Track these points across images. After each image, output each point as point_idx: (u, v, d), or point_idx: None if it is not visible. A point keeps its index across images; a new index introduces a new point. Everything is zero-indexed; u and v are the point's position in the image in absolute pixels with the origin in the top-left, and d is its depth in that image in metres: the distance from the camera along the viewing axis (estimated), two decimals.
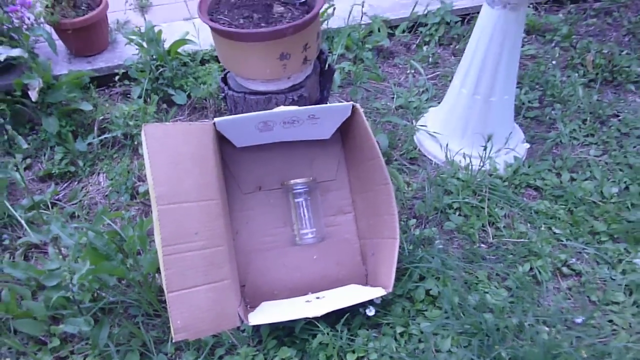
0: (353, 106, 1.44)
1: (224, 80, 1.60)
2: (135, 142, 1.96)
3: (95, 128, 1.99)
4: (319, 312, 1.32)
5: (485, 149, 1.87)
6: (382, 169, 1.42)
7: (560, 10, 2.77)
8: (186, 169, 1.29)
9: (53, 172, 1.90)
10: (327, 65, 1.63)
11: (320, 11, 1.66)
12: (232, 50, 1.43)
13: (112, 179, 1.86)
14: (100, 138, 1.97)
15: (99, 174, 1.93)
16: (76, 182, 1.90)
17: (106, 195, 1.86)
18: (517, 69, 1.87)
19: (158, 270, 1.45)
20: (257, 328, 1.45)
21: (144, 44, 2.09)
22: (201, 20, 1.42)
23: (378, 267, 1.46)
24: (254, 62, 1.43)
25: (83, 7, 2.15)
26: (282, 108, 1.39)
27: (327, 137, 1.55)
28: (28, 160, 1.97)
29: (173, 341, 1.22)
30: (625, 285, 1.60)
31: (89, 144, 1.96)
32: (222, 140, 1.50)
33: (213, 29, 1.42)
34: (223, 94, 1.58)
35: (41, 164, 1.95)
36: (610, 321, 1.53)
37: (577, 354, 1.36)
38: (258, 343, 1.44)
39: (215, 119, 1.37)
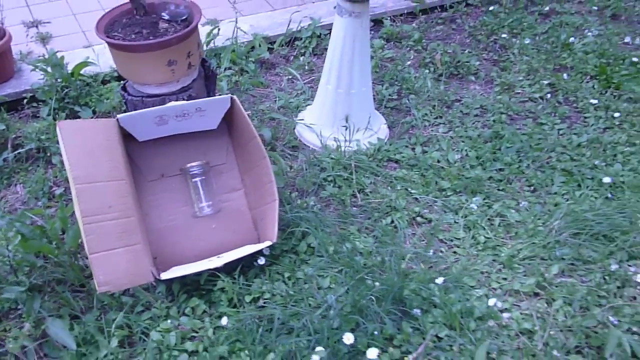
0: (231, 98, 1.79)
1: (124, 88, 1.91)
2: (48, 154, 2.20)
3: (9, 145, 2.21)
4: (219, 263, 1.64)
5: (346, 129, 2.26)
6: (260, 147, 1.77)
7: (414, 20, 3.28)
8: (97, 155, 1.58)
9: None
10: (210, 71, 1.97)
11: (200, 28, 2.01)
12: (128, 61, 1.75)
13: (29, 187, 2.09)
14: (14, 153, 2.19)
15: (16, 185, 2.15)
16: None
17: (25, 202, 2.08)
18: (370, 65, 2.30)
19: (80, 247, 1.72)
20: (169, 288, 1.74)
21: (49, 69, 2.35)
22: (99, 37, 1.73)
23: (265, 227, 1.80)
24: (147, 69, 1.75)
25: None
26: (173, 103, 1.71)
27: (214, 127, 1.88)
28: None
29: (97, 293, 1.49)
30: (465, 225, 2.04)
31: (4, 159, 2.18)
32: (126, 138, 1.80)
33: (110, 44, 1.73)
34: (124, 100, 1.88)
35: None
36: (455, 252, 1.95)
37: (425, 274, 1.76)
38: (171, 301, 1.73)
39: (118, 115, 1.67)
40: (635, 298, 1.77)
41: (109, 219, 1.55)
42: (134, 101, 1.82)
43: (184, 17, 1.84)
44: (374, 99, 2.62)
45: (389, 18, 3.17)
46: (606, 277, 1.85)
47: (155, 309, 1.68)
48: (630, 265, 1.86)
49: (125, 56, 1.71)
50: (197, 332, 1.63)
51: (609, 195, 2.17)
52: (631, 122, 2.55)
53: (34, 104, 2.41)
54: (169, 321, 1.65)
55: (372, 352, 1.47)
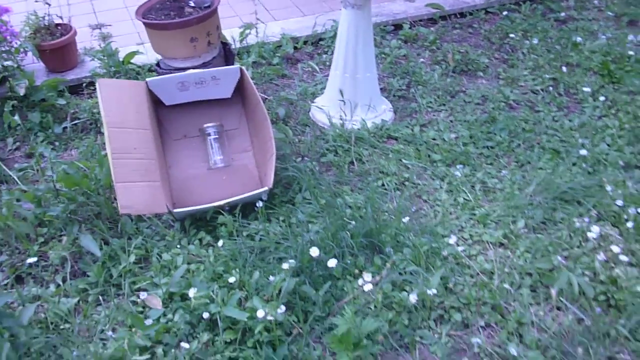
0: (240, 68, 2.14)
1: (158, 64, 2.30)
2: (99, 125, 2.62)
3: (68, 117, 2.65)
4: (222, 202, 1.97)
5: (344, 104, 2.54)
6: (263, 110, 2.10)
7: (433, 26, 3.56)
8: (127, 107, 1.96)
9: (37, 151, 2.54)
10: (229, 52, 2.34)
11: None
12: (159, 38, 2.14)
13: (81, 152, 2.51)
14: (72, 124, 2.63)
15: (71, 149, 2.57)
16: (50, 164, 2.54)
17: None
18: (373, 52, 2.59)
19: (112, 186, 2.09)
20: (183, 225, 2.07)
21: (105, 58, 2.80)
22: (137, 19, 2.14)
23: (265, 176, 2.12)
24: (173, 45, 2.14)
25: (57, 34, 2.86)
26: (191, 71, 2.08)
27: (228, 96, 2.23)
28: (17, 144, 2.61)
29: (120, 214, 1.85)
30: (448, 189, 2.28)
31: (64, 128, 2.61)
32: (156, 103, 2.18)
33: (145, 24, 2.13)
34: (157, 74, 2.27)
35: (27, 145, 2.60)
36: (435, 210, 2.19)
37: (404, 225, 2.02)
38: (183, 234, 2.06)
39: (147, 79, 2.05)
40: (594, 249, 1.95)
41: (133, 157, 1.92)
42: (164, 74, 2.20)
43: (207, 5, 2.22)
44: (384, 89, 2.92)
45: (408, 23, 3.47)
46: (571, 234, 2.04)
47: (168, 239, 2.02)
48: (596, 225, 2.04)
49: (157, 34, 2.10)
50: (200, 258, 1.95)
51: (590, 170, 2.34)
52: (626, 111, 2.71)
53: (91, 87, 2.86)
54: (178, 247, 1.98)
55: (332, 262, 1.74)
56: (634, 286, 1.80)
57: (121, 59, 2.81)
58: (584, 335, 1.69)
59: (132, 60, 2.85)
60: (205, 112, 2.25)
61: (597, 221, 2.08)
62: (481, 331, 1.75)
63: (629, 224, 2.00)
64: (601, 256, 1.89)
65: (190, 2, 2.20)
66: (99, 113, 2.63)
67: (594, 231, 1.96)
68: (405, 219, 2.02)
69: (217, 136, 2.20)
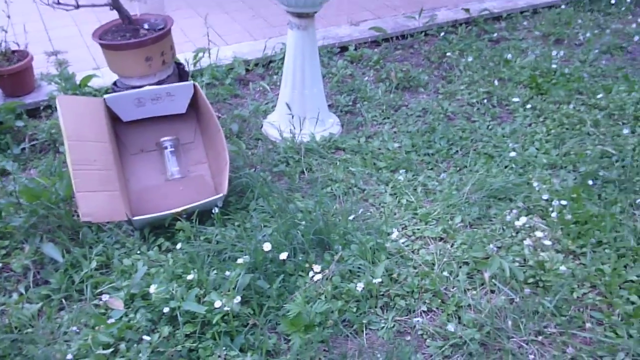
0: (194, 84, 2.28)
1: (115, 84, 2.42)
2: (57, 145, 2.70)
3: (27, 139, 2.73)
4: (180, 209, 2.08)
5: (292, 117, 2.70)
6: (216, 122, 2.24)
7: (377, 48, 3.79)
8: (86, 121, 2.07)
9: None
10: (183, 71, 2.48)
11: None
12: (115, 58, 2.27)
13: (40, 170, 2.58)
14: (30, 144, 2.70)
15: (30, 169, 2.65)
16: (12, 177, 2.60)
17: None
18: (319, 70, 2.78)
19: (72, 197, 2.17)
20: (142, 233, 2.17)
21: (62, 82, 2.89)
22: (93, 40, 2.26)
23: (220, 184, 2.25)
24: (129, 64, 2.27)
25: (14, 60, 2.95)
26: (147, 87, 2.21)
27: (183, 111, 2.37)
28: None
29: (81, 220, 1.94)
30: (392, 193, 2.45)
31: (23, 148, 2.69)
32: (114, 120, 2.29)
33: (102, 45, 2.25)
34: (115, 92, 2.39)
35: None
36: (380, 212, 2.35)
37: (351, 224, 2.17)
38: (143, 241, 2.16)
39: (105, 95, 2.17)
40: (523, 239, 2.14)
41: (93, 169, 2.02)
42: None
43: (160, 27, 2.37)
44: (332, 105, 3.10)
45: (354, 45, 3.69)
46: (503, 227, 2.24)
47: (128, 246, 2.11)
48: (525, 217, 2.24)
49: (113, 54, 2.23)
50: (160, 263, 2.05)
51: (520, 172, 2.56)
52: (552, 118, 2.96)
53: (49, 110, 2.94)
54: (138, 253, 2.08)
55: (283, 255, 1.88)
56: (559, 268, 2.00)
57: (78, 83, 2.91)
58: (515, 313, 1.86)
59: (88, 84, 2.95)
60: (161, 127, 2.37)
61: (527, 215, 2.28)
62: (424, 315, 1.90)
63: (554, 215, 2.21)
64: (528, 242, 2.08)
65: (145, 24, 2.34)
66: (56, 133, 2.72)
67: (522, 221, 2.16)
68: (351, 217, 2.17)
69: (173, 149, 2.32)
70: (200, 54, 3.25)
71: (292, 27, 2.64)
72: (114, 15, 2.49)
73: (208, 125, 2.33)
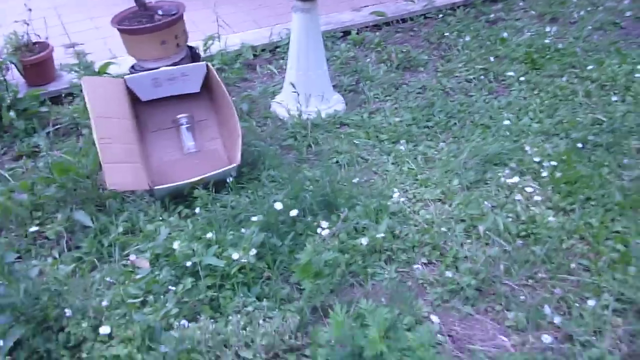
0: (206, 64, 2.45)
1: (133, 67, 2.60)
2: (79, 128, 2.89)
3: (50, 123, 2.92)
4: (197, 178, 2.26)
5: (298, 95, 2.87)
6: (228, 100, 2.41)
7: (378, 31, 3.95)
8: (109, 100, 2.25)
9: (24, 153, 2.79)
10: (196, 54, 2.66)
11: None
12: (133, 42, 2.45)
13: (64, 151, 2.77)
14: (54, 128, 2.89)
15: (55, 150, 2.83)
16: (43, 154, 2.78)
17: None
18: (323, 51, 2.94)
19: (98, 170, 2.35)
20: (163, 202, 2.35)
21: (81, 70, 3.08)
22: (112, 26, 2.44)
23: (233, 155, 2.42)
24: (146, 48, 2.44)
25: (36, 51, 3.14)
26: (163, 68, 2.39)
27: (197, 90, 2.54)
28: (4, 149, 2.86)
29: (108, 188, 2.12)
30: (394, 162, 2.61)
31: (47, 132, 2.88)
32: (134, 101, 2.47)
33: (120, 30, 2.43)
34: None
35: (14, 150, 2.85)
36: (383, 179, 2.52)
37: (356, 188, 2.33)
38: (164, 210, 2.33)
39: (125, 76, 2.35)
40: (516, 199, 2.30)
41: (117, 142, 2.20)
42: None
43: (174, 12, 2.54)
44: (336, 85, 3.27)
45: (356, 29, 3.85)
46: (498, 189, 2.40)
47: (151, 213, 2.29)
48: (517, 177, 2.40)
49: (131, 39, 2.40)
50: (181, 228, 2.23)
51: (515, 139, 2.72)
52: (546, 91, 3.11)
53: (70, 97, 3.13)
54: (161, 219, 2.26)
55: (293, 212, 2.05)
56: (549, 222, 2.16)
57: (97, 70, 3.09)
58: (507, 262, 2.03)
59: (107, 71, 3.14)
60: (177, 106, 2.55)
61: (520, 176, 2.44)
62: (424, 267, 2.07)
63: (544, 174, 2.37)
64: (519, 197, 2.25)
65: (159, 10, 2.51)
66: (79, 117, 2.91)
67: (515, 180, 2.33)
68: (355, 180, 2.34)
69: (189, 125, 2.50)
70: (210, 41, 3.43)
71: (297, 11, 2.80)
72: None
73: (221, 103, 2.51)
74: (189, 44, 3.02)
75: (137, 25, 2.42)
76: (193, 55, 2.62)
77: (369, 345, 1.52)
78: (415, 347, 1.53)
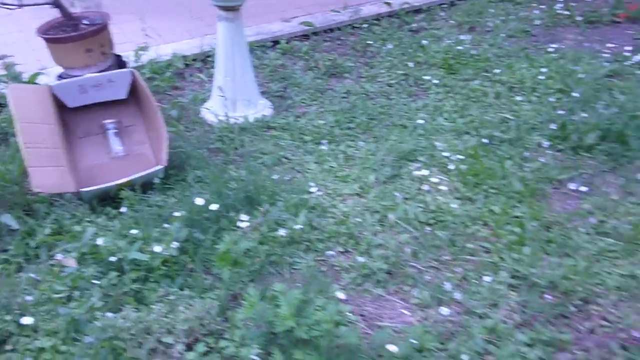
0: (131, 71, 2.55)
1: (60, 76, 2.67)
2: (7, 138, 2.92)
3: None
4: (124, 179, 2.35)
5: (225, 99, 3.00)
6: (153, 104, 2.52)
7: (307, 41, 4.12)
8: (34, 106, 2.32)
9: None
10: (122, 62, 2.75)
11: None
12: (58, 51, 2.52)
13: None
14: None
15: None
16: None
17: None
18: (248, 58, 3.08)
19: (24, 176, 2.41)
20: (91, 205, 2.42)
21: (9, 81, 3.11)
22: (38, 36, 2.51)
23: (160, 157, 2.51)
24: (71, 56, 2.52)
25: None
26: (87, 75, 2.47)
27: (124, 96, 2.63)
28: None
29: (34, 190, 2.18)
30: (317, 161, 2.76)
31: None
32: (62, 107, 2.54)
33: (46, 39, 2.50)
34: None
35: None
36: (306, 176, 2.66)
37: (277, 185, 2.47)
38: (91, 211, 2.41)
39: (51, 84, 2.42)
40: (425, 190, 2.49)
41: (42, 147, 2.27)
42: None
43: (98, 22, 2.63)
44: (265, 92, 3.41)
45: (285, 39, 4.01)
46: (411, 182, 2.58)
47: (78, 215, 2.36)
48: (427, 170, 2.59)
49: (57, 47, 2.48)
50: (108, 228, 2.31)
51: (429, 137, 2.92)
52: (461, 93, 3.34)
53: None
54: (88, 220, 2.33)
55: (214, 206, 2.17)
56: (454, 210, 2.35)
57: (26, 80, 3.13)
58: (416, 246, 2.20)
59: (35, 81, 3.18)
60: (105, 113, 2.63)
61: (431, 169, 2.63)
62: (340, 255, 2.22)
63: (451, 167, 2.57)
64: (426, 187, 2.43)
65: (84, 20, 2.60)
66: (7, 127, 2.94)
67: (424, 173, 2.52)
68: (275, 176, 2.48)
69: (116, 130, 2.58)
70: (141, 52, 3.51)
71: (221, 20, 2.94)
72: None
73: (147, 108, 2.60)
74: (118, 53, 3.11)
75: (63, 34, 2.50)
76: (120, 64, 2.71)
77: (279, 321, 1.65)
78: (323, 321, 1.67)
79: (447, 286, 2.01)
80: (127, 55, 3.50)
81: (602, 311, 1.96)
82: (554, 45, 3.88)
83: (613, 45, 3.89)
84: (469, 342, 1.81)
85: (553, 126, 2.91)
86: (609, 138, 2.78)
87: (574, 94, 3.13)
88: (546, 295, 1.99)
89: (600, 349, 1.82)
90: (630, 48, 3.75)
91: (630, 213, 2.37)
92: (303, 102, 3.32)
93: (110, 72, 2.50)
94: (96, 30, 2.46)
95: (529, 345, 1.83)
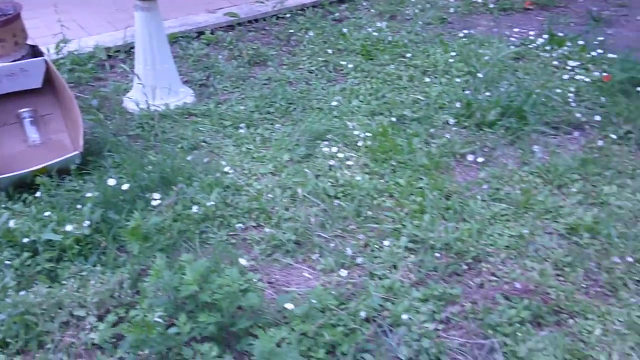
0: (45, 60, 2.59)
1: None
2: None
3: None
4: (39, 166, 2.39)
5: (143, 87, 3.07)
6: (68, 92, 2.56)
7: (232, 31, 4.20)
8: None
9: None
10: (38, 52, 2.77)
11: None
12: None
13: None
14: None
15: None
16: None
17: None
18: (167, 47, 3.15)
19: None
20: (7, 192, 2.45)
21: None
22: None
23: (76, 144, 2.56)
24: None
25: None
26: (0, 64, 2.49)
27: (39, 85, 2.66)
28: None
29: None
30: (235, 144, 2.86)
31: None
32: None
33: None
34: None
35: None
36: (224, 159, 2.75)
37: (194, 167, 2.56)
38: (8, 199, 2.43)
39: None
40: (335, 167, 2.63)
41: None
42: None
43: (10, 12, 2.65)
44: (188, 81, 3.48)
45: (210, 30, 4.08)
46: (324, 160, 2.71)
47: None
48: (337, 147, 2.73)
49: None
50: (25, 214, 2.35)
51: (344, 118, 3.06)
52: (377, 77, 3.49)
53: None
54: (3, 207, 2.36)
55: (125, 186, 2.25)
56: (362, 183, 2.50)
57: None
58: (324, 218, 2.33)
59: None
60: (21, 102, 2.66)
61: (342, 147, 2.78)
62: (252, 229, 2.33)
63: (360, 143, 2.72)
64: (337, 164, 2.58)
65: None
66: None
67: (334, 150, 2.66)
68: (189, 157, 2.57)
69: (32, 119, 2.62)
70: (62, 44, 3.53)
71: (138, 10, 3.00)
72: None
73: (64, 97, 2.64)
74: (35, 44, 3.12)
75: None
76: (35, 54, 2.73)
77: (184, 287, 1.75)
78: (225, 285, 1.78)
79: (349, 252, 2.15)
80: (48, 47, 3.51)
81: (491, 268, 2.14)
82: (466, 31, 4.10)
83: (522, 29, 4.14)
84: (367, 300, 1.95)
85: (459, 105, 3.10)
86: (508, 114, 2.99)
87: (479, 75, 3.34)
88: (440, 255, 2.16)
89: (486, 300, 2.00)
90: (534, 32, 4.01)
91: (523, 180, 2.58)
92: (225, 90, 3.41)
93: (23, 61, 2.53)
94: (7, 20, 2.49)
95: (422, 300, 1.98)
